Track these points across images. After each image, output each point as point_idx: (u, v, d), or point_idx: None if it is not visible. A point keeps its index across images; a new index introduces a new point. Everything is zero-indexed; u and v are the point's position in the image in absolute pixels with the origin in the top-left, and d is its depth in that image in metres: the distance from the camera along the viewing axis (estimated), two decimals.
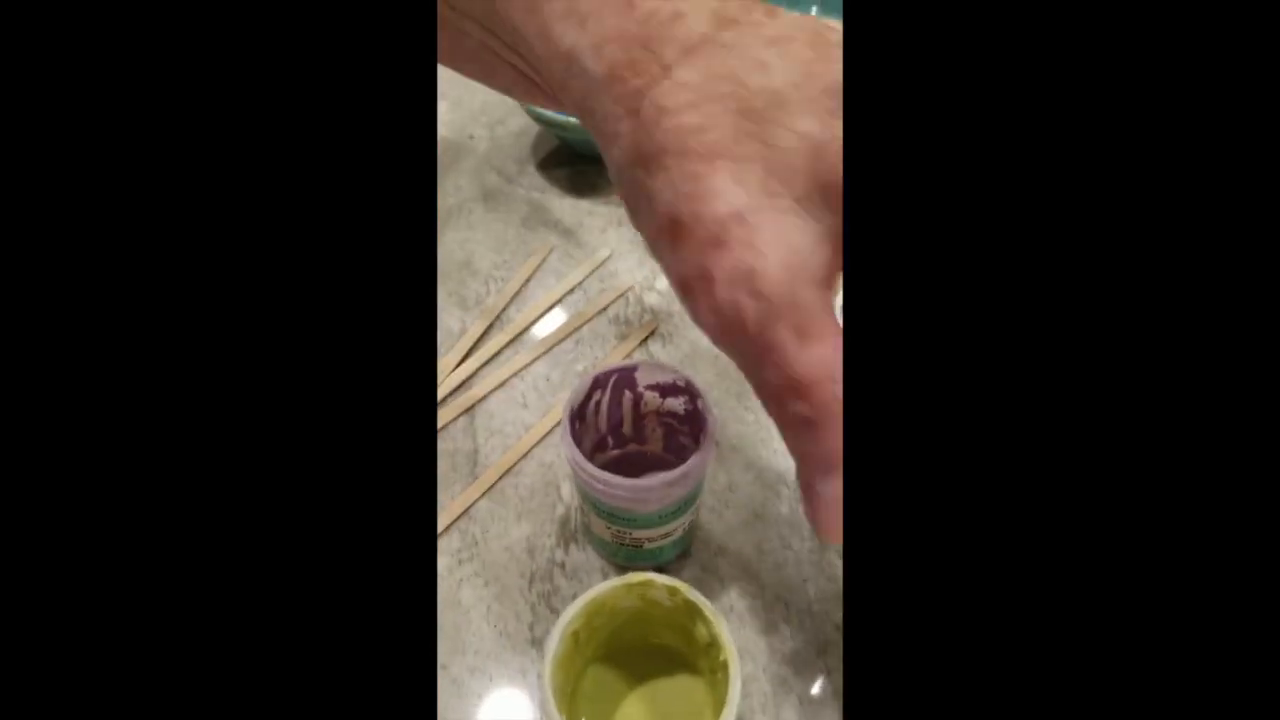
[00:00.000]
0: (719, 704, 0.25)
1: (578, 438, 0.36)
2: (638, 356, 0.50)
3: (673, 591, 0.29)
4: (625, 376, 0.37)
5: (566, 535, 0.40)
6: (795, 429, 0.18)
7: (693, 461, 0.32)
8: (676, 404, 0.38)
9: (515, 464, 0.43)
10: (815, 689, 0.35)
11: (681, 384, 0.36)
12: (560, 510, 0.41)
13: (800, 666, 0.36)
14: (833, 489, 0.18)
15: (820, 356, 0.18)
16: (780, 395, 0.18)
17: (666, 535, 0.36)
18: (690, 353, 0.50)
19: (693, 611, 0.28)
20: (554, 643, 0.27)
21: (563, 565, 0.39)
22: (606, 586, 0.28)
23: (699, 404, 0.35)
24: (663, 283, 0.54)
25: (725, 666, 0.27)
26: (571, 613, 0.28)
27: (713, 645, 0.28)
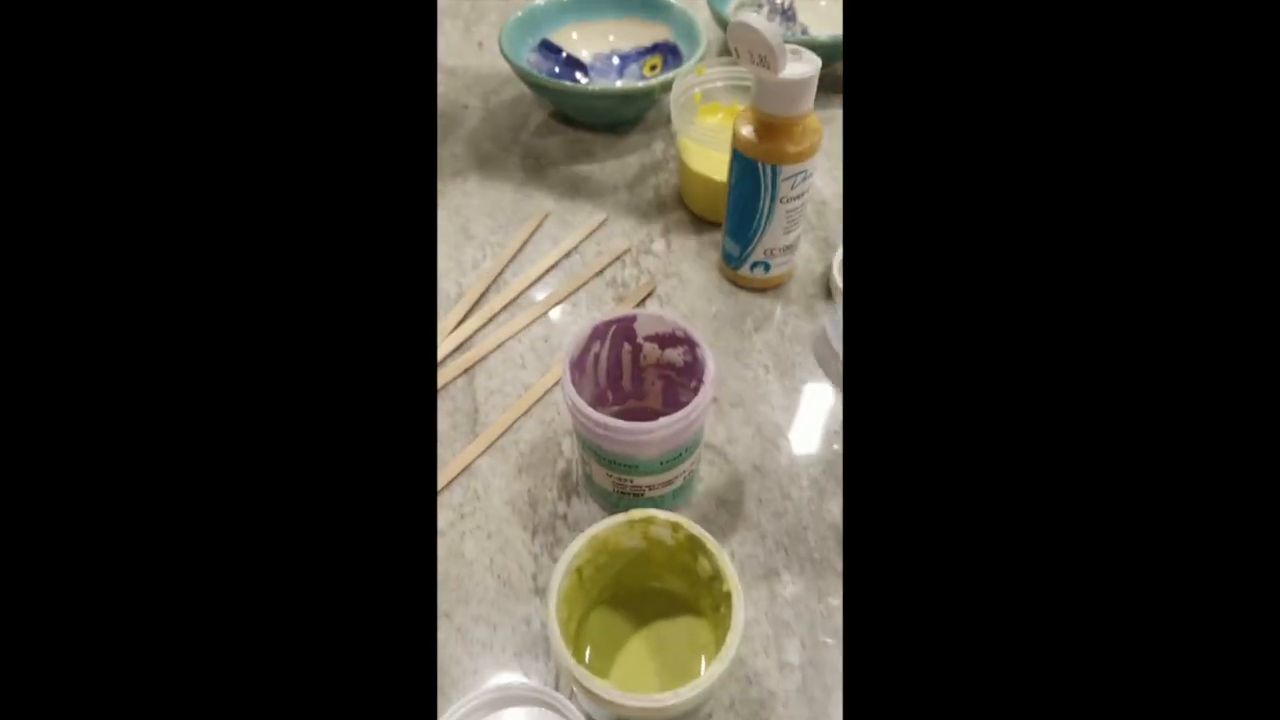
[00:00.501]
0: (721, 643, 0.25)
1: (577, 388, 0.37)
2: None
3: (675, 527, 0.29)
4: (624, 327, 0.37)
5: (568, 488, 0.41)
6: None
7: (694, 403, 0.33)
8: (675, 355, 0.38)
9: (516, 421, 0.44)
10: (816, 631, 0.35)
11: (680, 334, 0.37)
12: (561, 465, 0.42)
13: (801, 610, 0.36)
14: None
15: None
16: None
17: (668, 484, 0.37)
18: (688, 313, 0.50)
19: (695, 546, 0.29)
20: (558, 577, 0.27)
21: (565, 517, 0.40)
22: (609, 523, 0.29)
23: (698, 353, 0.36)
24: (659, 245, 0.54)
25: (728, 598, 0.27)
26: (575, 548, 0.28)
27: (715, 578, 0.28)
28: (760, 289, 0.51)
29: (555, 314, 0.50)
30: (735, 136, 0.44)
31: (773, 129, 0.42)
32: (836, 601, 0.36)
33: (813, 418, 0.44)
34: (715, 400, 0.45)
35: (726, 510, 0.40)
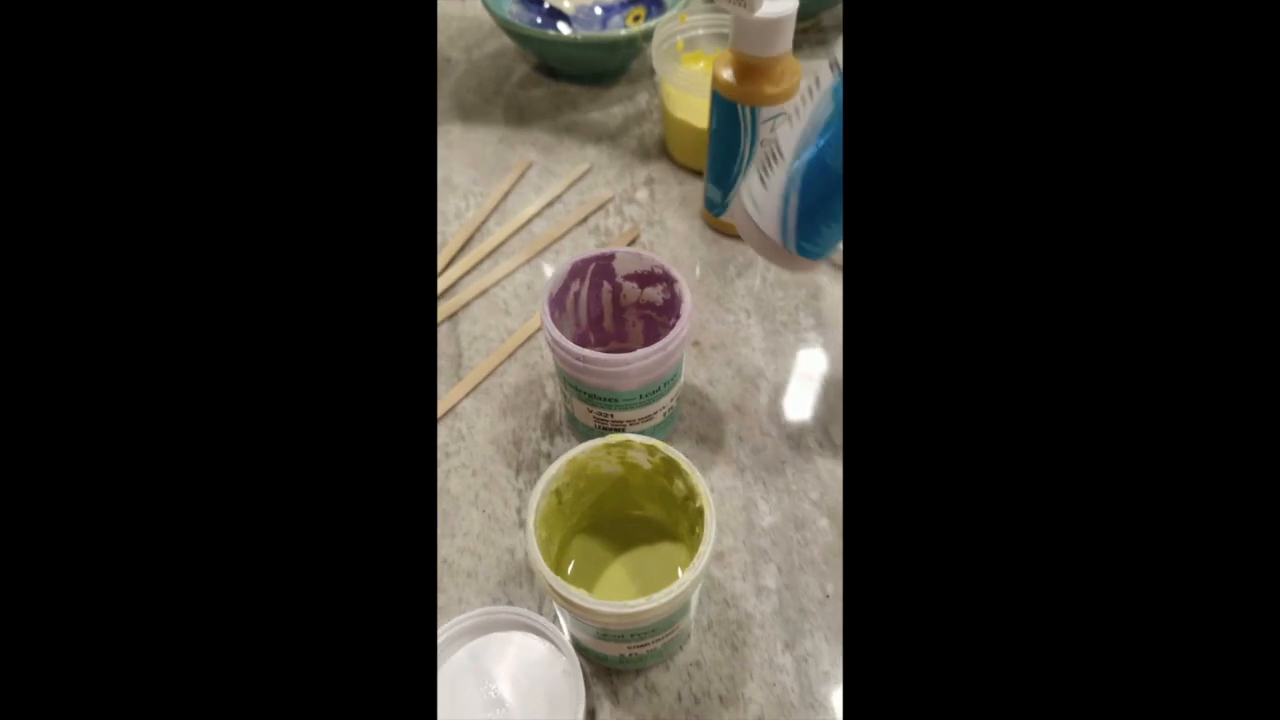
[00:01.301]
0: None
1: (558, 326, 0.37)
2: None
3: (651, 450, 0.30)
4: (603, 265, 0.38)
5: (552, 428, 0.41)
6: None
7: (672, 334, 0.33)
8: (655, 293, 0.38)
9: (500, 365, 0.44)
10: (793, 558, 0.36)
11: (659, 271, 0.37)
12: (545, 406, 0.42)
13: (778, 538, 0.37)
14: None
15: None
16: None
17: (648, 419, 0.37)
18: (671, 260, 0.50)
19: (671, 468, 0.30)
20: (537, 496, 0.28)
21: (548, 455, 0.40)
22: (587, 446, 0.30)
23: (676, 289, 0.36)
24: (642, 194, 0.54)
25: (701, 514, 0.28)
26: (553, 471, 0.29)
27: (689, 498, 0.29)
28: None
29: (538, 262, 0.50)
30: (714, 79, 0.44)
31: (751, 70, 0.42)
32: (812, 533, 0.37)
33: (792, 360, 0.45)
34: (697, 344, 0.45)
35: (707, 447, 0.41)
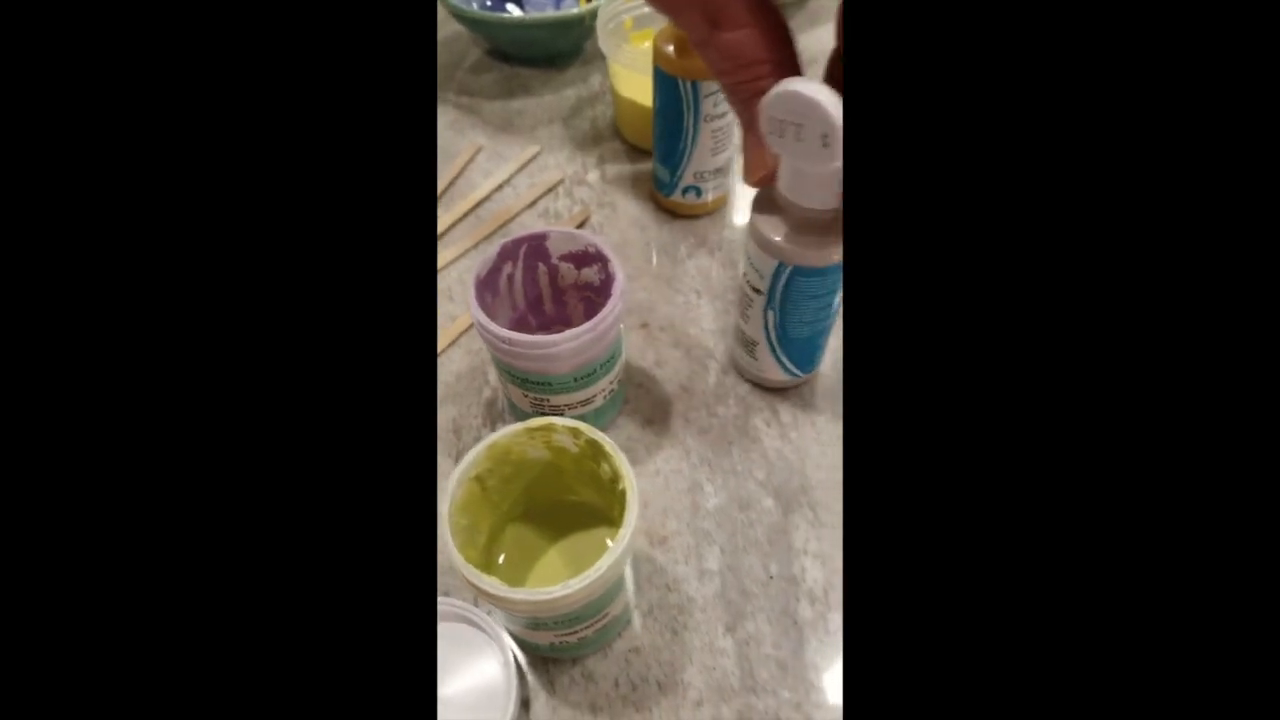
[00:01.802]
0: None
1: (491, 311, 0.36)
2: None
3: (575, 433, 0.29)
4: (536, 246, 0.37)
5: (493, 415, 0.41)
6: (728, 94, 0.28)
7: (601, 314, 0.32)
8: (592, 274, 0.37)
9: (443, 351, 0.43)
10: (736, 539, 0.35)
11: (593, 251, 0.36)
12: (487, 393, 0.42)
13: (722, 519, 0.36)
14: (748, 141, 0.29)
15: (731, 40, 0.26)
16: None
17: (586, 403, 0.36)
18: (621, 241, 0.49)
19: (596, 450, 0.29)
20: (453, 484, 0.27)
21: None
22: (508, 430, 0.29)
23: (609, 268, 0.35)
24: (593, 176, 0.53)
25: (623, 496, 0.27)
26: (472, 456, 0.28)
27: (614, 479, 0.28)
28: (694, 215, 0.50)
29: (486, 247, 0.49)
30: (655, 54, 0.43)
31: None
32: (757, 514, 0.36)
33: None
34: (645, 326, 0.45)
35: (653, 430, 0.40)
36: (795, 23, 0.67)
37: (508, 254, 0.36)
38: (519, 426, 0.29)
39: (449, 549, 0.26)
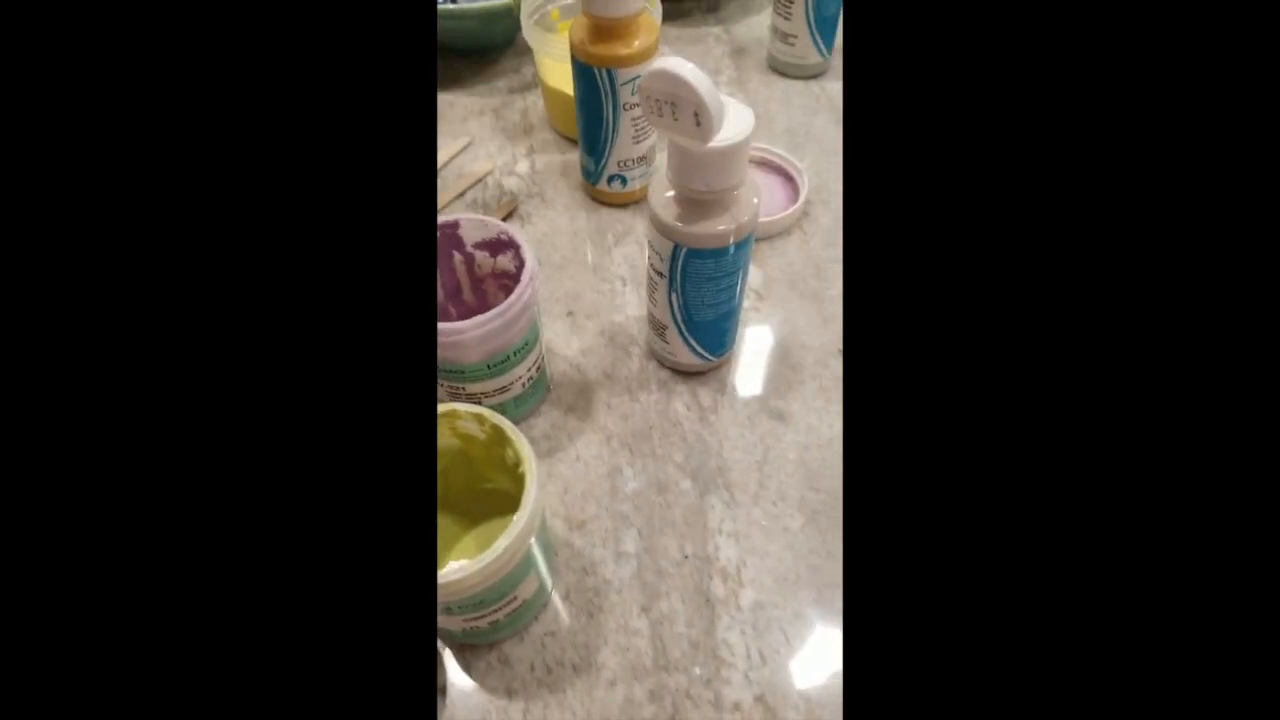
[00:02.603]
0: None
1: None
2: None
3: (480, 419, 0.29)
4: (449, 235, 0.37)
5: None
6: None
7: (509, 300, 0.33)
8: (507, 261, 0.38)
9: None
10: (654, 521, 0.36)
11: (505, 238, 0.36)
12: None
13: (640, 503, 0.37)
14: None
15: None
16: None
17: (503, 390, 0.37)
18: (549, 231, 0.49)
19: (499, 435, 0.29)
20: None
21: None
22: None
23: (521, 253, 0.35)
24: (523, 166, 0.53)
25: (522, 479, 0.27)
26: None
27: (517, 463, 0.29)
28: (621, 204, 0.51)
29: None
30: (571, 43, 0.43)
31: (604, 31, 0.42)
32: (675, 496, 0.37)
33: None
34: (571, 314, 0.45)
35: (575, 416, 0.40)
36: (727, 11, 0.68)
37: None
38: None
39: None
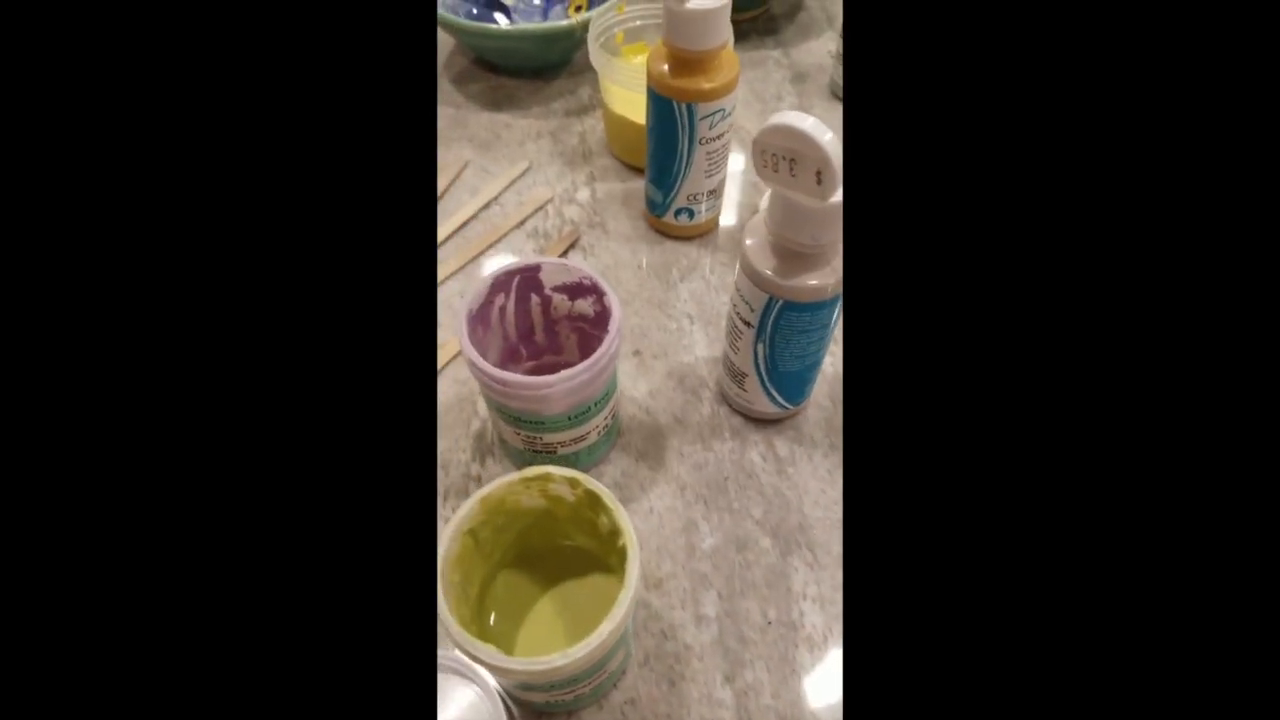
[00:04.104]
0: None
1: (482, 345, 0.35)
2: None
3: (573, 484, 0.28)
4: (529, 278, 0.35)
5: (482, 449, 0.39)
6: None
7: (597, 354, 0.31)
8: (586, 306, 0.36)
9: None
10: (734, 582, 0.35)
11: (587, 283, 0.35)
12: (476, 425, 0.40)
13: (719, 562, 0.35)
14: None
15: None
16: None
17: (580, 439, 0.35)
18: (612, 263, 0.48)
19: (594, 502, 0.28)
20: (445, 541, 0.26)
21: (478, 479, 0.38)
22: (502, 482, 0.27)
23: (605, 301, 0.34)
24: (583, 194, 0.52)
25: (624, 552, 0.26)
26: (464, 511, 0.27)
27: (614, 533, 0.27)
28: (686, 237, 0.49)
29: (473, 268, 0.48)
30: (650, 74, 0.42)
31: (687, 64, 0.40)
32: (755, 555, 0.36)
33: None
34: (638, 353, 0.43)
35: (647, 464, 0.39)
36: (786, 34, 0.66)
37: (500, 286, 0.35)
38: (514, 477, 0.28)
39: (442, 611, 0.24)
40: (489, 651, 0.23)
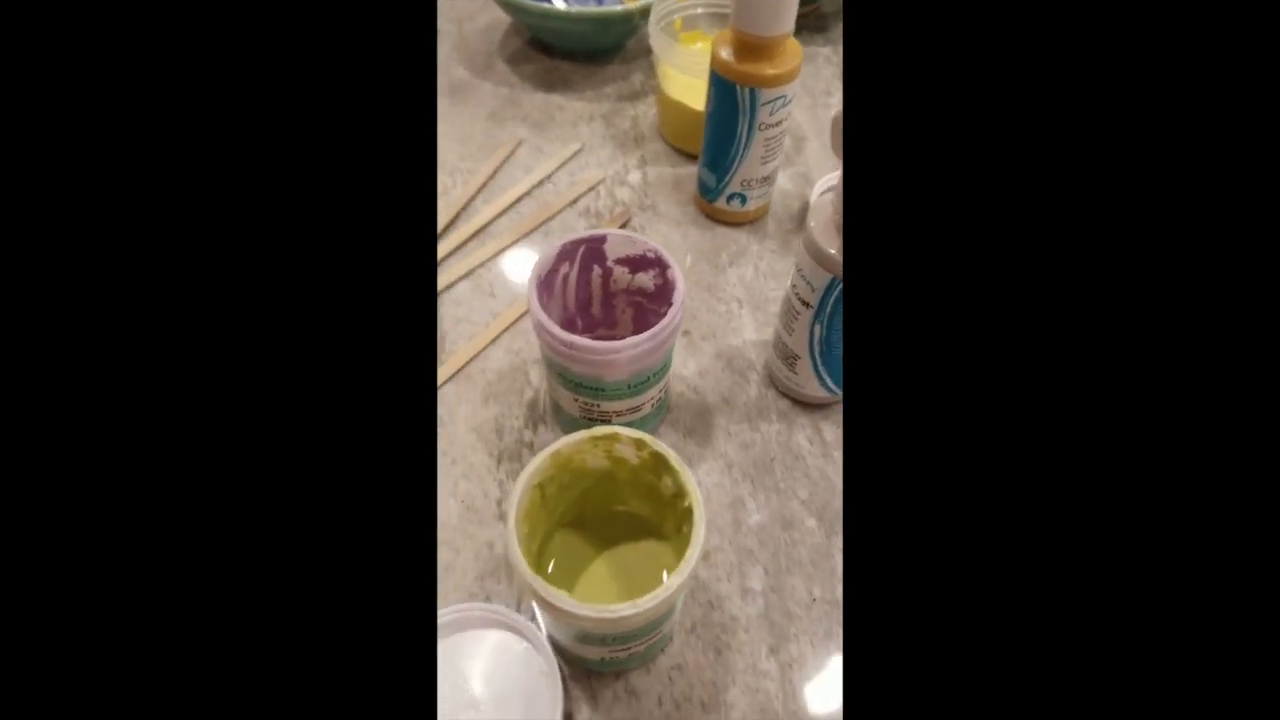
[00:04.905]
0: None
1: (545, 311, 0.36)
2: None
3: (639, 444, 0.28)
4: (594, 248, 0.36)
5: (535, 417, 0.40)
6: None
7: (664, 322, 0.32)
8: (646, 279, 0.37)
9: (483, 349, 0.43)
10: (779, 559, 0.35)
11: (652, 255, 0.36)
12: (529, 394, 0.41)
13: (765, 539, 0.36)
14: None
15: None
16: None
17: (635, 410, 0.36)
18: (662, 245, 0.48)
19: (659, 463, 0.28)
20: (519, 491, 0.27)
21: (530, 445, 0.39)
22: (573, 438, 0.28)
23: (669, 274, 0.35)
24: (634, 177, 0.53)
25: (690, 513, 0.26)
26: (537, 464, 0.27)
27: (678, 495, 0.28)
28: (736, 223, 0.50)
29: (526, 244, 0.48)
30: (714, 58, 0.42)
31: (753, 49, 0.41)
32: (800, 533, 0.36)
33: None
34: (687, 334, 0.44)
35: (694, 440, 0.39)
36: (836, 32, 0.67)
37: (566, 255, 0.35)
38: (584, 435, 0.28)
39: (516, 561, 0.25)
40: (562, 597, 0.24)
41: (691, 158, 0.54)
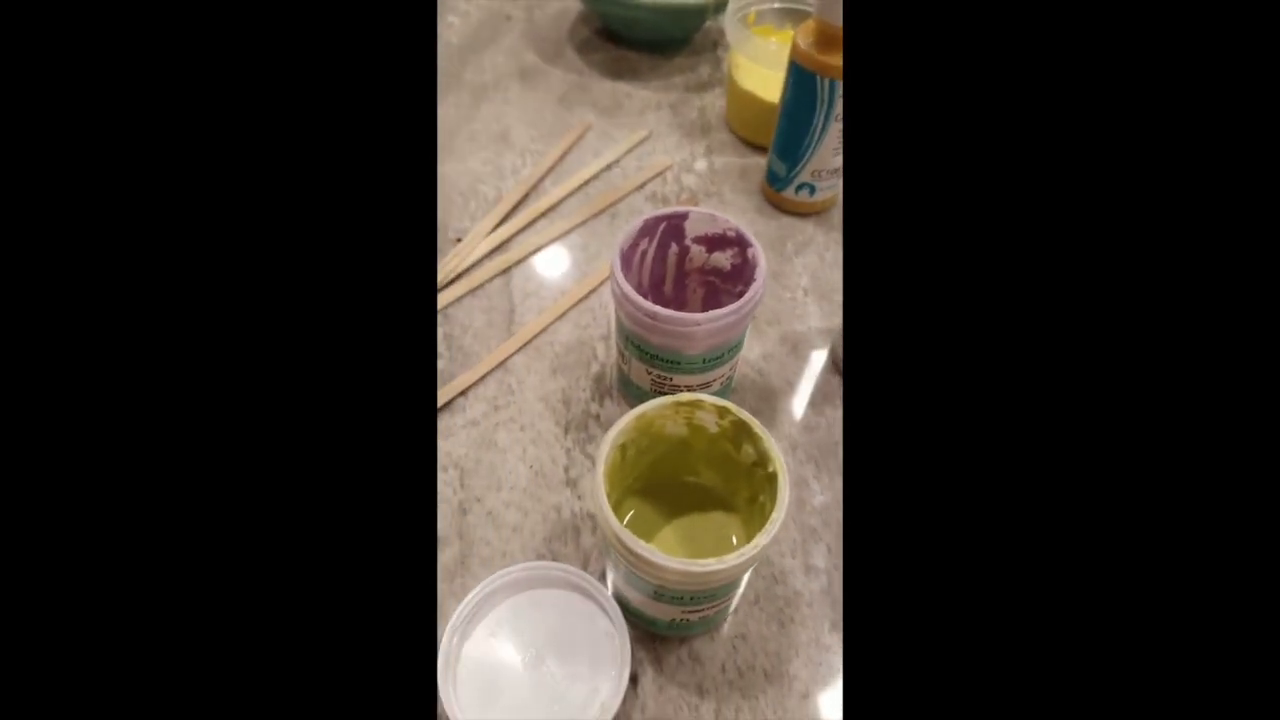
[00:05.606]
0: (751, 539, 0.25)
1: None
2: None
3: (722, 412, 0.29)
4: (674, 225, 0.37)
5: (602, 390, 0.41)
6: None
7: (748, 295, 0.32)
8: (723, 258, 0.37)
9: (551, 323, 0.43)
10: (842, 538, 0.35)
11: (732, 234, 0.36)
12: (596, 368, 0.42)
13: (829, 519, 0.36)
14: None
15: None
16: None
17: (705, 386, 0.36)
18: None
19: (741, 431, 0.29)
20: (605, 447, 0.27)
21: (597, 417, 0.40)
22: (656, 403, 0.29)
23: (749, 253, 0.35)
24: (701, 165, 0.53)
25: (773, 480, 0.27)
26: (622, 424, 0.28)
27: (758, 464, 0.28)
28: (803, 213, 0.50)
29: (594, 224, 0.49)
30: (794, 49, 0.43)
31: (835, 41, 0.41)
32: None
33: None
34: (753, 318, 0.44)
35: (761, 420, 0.40)
36: None
37: (647, 230, 0.36)
38: (667, 400, 0.29)
39: (604, 511, 0.26)
40: (649, 549, 0.25)
41: (758, 148, 0.54)
